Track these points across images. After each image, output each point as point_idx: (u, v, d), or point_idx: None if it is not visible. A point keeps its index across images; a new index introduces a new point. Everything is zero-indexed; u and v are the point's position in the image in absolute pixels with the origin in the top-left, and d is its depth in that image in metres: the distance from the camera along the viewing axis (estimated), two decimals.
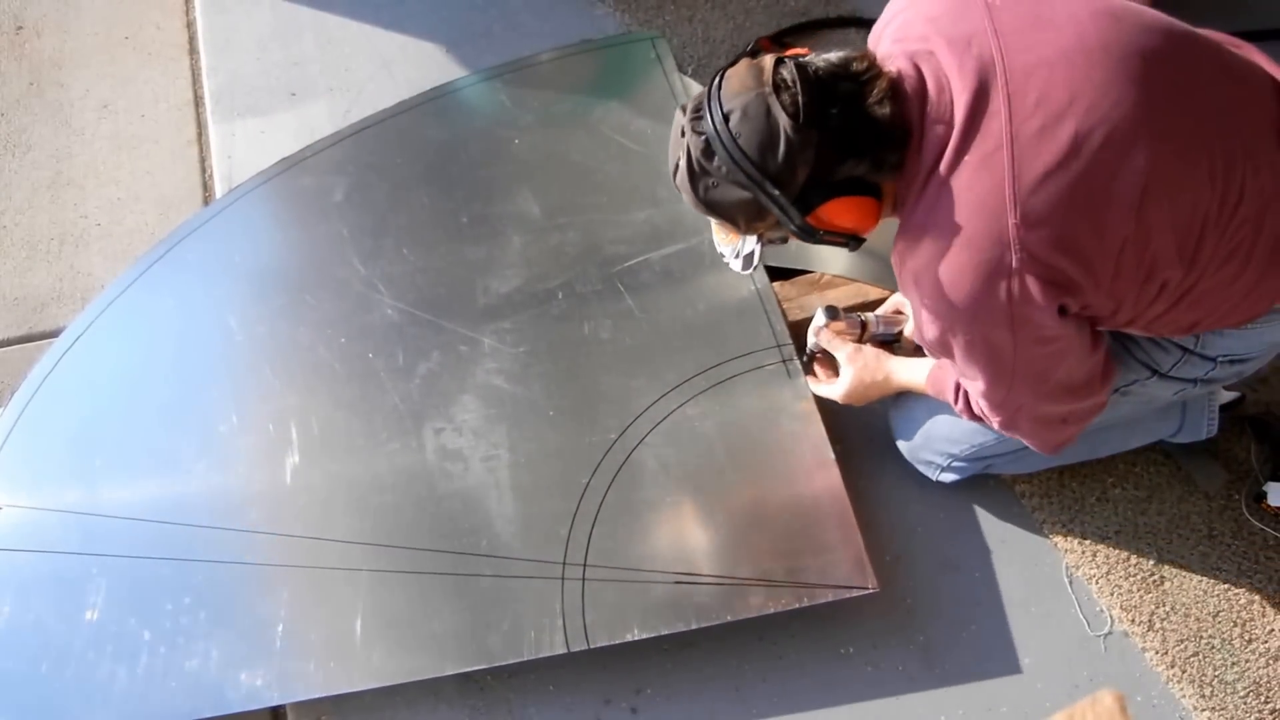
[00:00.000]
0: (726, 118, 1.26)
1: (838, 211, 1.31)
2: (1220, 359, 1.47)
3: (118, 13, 2.71)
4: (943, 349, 1.39)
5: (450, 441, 1.80)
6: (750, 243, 1.44)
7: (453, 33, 2.56)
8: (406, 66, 2.48)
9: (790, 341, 1.89)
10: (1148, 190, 1.22)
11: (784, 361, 1.88)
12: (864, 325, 1.82)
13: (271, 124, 2.39)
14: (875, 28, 1.41)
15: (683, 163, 1.33)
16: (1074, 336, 1.34)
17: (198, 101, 2.51)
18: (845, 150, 1.27)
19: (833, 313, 1.79)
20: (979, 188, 1.24)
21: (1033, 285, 1.25)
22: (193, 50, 2.62)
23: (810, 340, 1.83)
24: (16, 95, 2.54)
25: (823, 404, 1.82)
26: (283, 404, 1.85)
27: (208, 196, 2.32)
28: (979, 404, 1.47)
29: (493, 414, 1.83)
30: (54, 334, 2.05)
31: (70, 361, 1.91)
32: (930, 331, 1.38)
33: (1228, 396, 1.79)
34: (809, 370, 1.85)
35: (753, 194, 1.29)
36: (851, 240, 1.38)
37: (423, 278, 2.01)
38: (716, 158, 1.28)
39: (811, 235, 1.34)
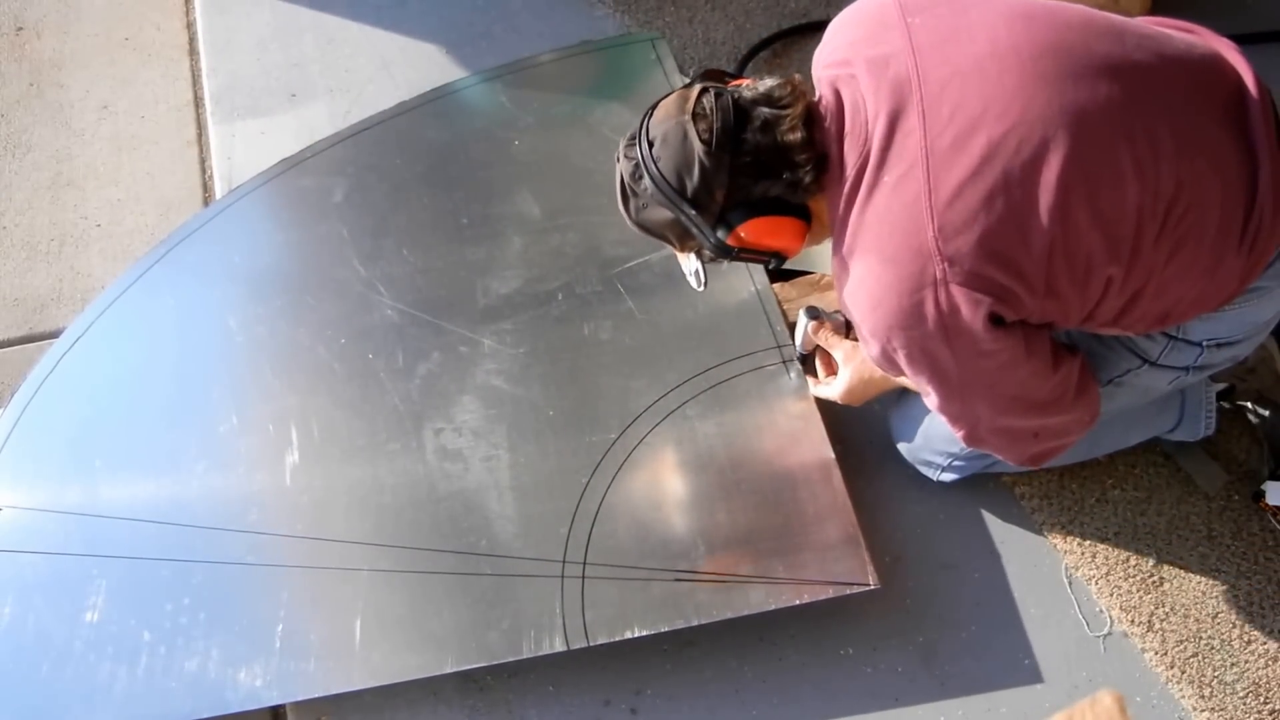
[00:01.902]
0: (651, 144, 1.35)
1: (758, 231, 1.37)
2: (1206, 343, 1.47)
3: (117, 14, 2.71)
4: (890, 364, 1.40)
5: (450, 442, 1.80)
6: (693, 261, 1.51)
7: (453, 34, 2.56)
8: (406, 67, 2.49)
9: (790, 342, 1.90)
10: (1069, 190, 1.23)
11: (784, 362, 1.88)
12: (848, 324, 1.82)
13: (271, 125, 2.39)
14: (815, 52, 1.45)
15: (617, 185, 1.43)
16: (1018, 349, 1.33)
17: (198, 102, 2.51)
18: (759, 173, 1.33)
19: (814, 313, 1.80)
20: (898, 205, 1.27)
21: (959, 295, 1.26)
22: (193, 51, 2.62)
23: (798, 341, 1.84)
24: (16, 96, 2.54)
25: (822, 405, 1.82)
26: (283, 405, 1.86)
27: (208, 197, 2.32)
28: (940, 418, 1.48)
29: (492, 414, 1.83)
30: (54, 335, 2.05)
31: (70, 362, 1.91)
32: (872, 349, 1.40)
33: (1217, 386, 1.79)
34: (810, 371, 1.86)
35: (675, 215, 1.36)
36: (774, 258, 1.44)
37: (423, 279, 2.01)
38: (643, 181, 1.37)
39: (727, 253, 1.40)
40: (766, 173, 1.33)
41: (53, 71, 2.59)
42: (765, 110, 1.32)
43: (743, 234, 1.36)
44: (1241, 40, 1.41)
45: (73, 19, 2.71)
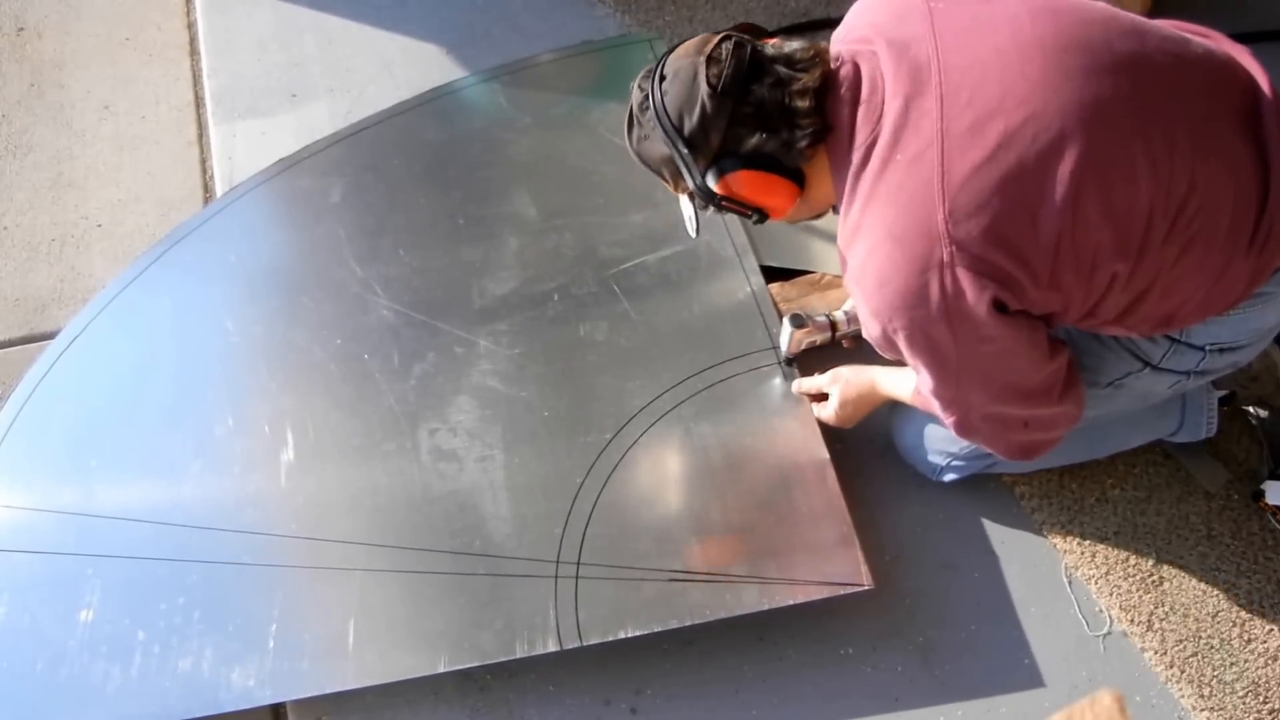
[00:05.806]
0: (663, 79, 1.37)
1: (747, 183, 1.38)
2: (1209, 348, 1.47)
3: (118, 14, 2.72)
4: (888, 345, 1.40)
5: (445, 442, 1.80)
6: (687, 205, 1.53)
7: (453, 34, 2.57)
8: (407, 67, 2.49)
9: None
10: (1081, 183, 1.23)
11: (779, 363, 1.87)
12: (833, 325, 1.83)
13: (272, 125, 2.39)
14: (835, 32, 1.46)
15: (626, 114, 1.45)
16: (1019, 338, 1.33)
17: (198, 102, 2.51)
18: (756, 126, 1.34)
19: (798, 321, 1.81)
20: (910, 184, 1.27)
21: (965, 279, 1.26)
22: (193, 51, 2.62)
23: (783, 346, 1.85)
24: (17, 96, 2.54)
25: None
26: (278, 405, 1.85)
27: (208, 198, 2.32)
28: (932, 402, 1.48)
29: (488, 415, 1.83)
30: (54, 335, 2.05)
31: (67, 362, 1.92)
32: (873, 329, 1.40)
33: (1219, 392, 1.78)
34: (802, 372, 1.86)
35: (670, 152, 1.38)
36: (757, 214, 1.45)
37: (419, 279, 2.01)
38: (648, 113, 1.39)
39: (710, 199, 1.42)
40: (764, 127, 1.34)
41: (54, 72, 2.59)
42: (782, 69, 1.33)
43: (731, 183, 1.38)
44: (1241, 39, 1.41)
45: (73, 19, 2.71)
